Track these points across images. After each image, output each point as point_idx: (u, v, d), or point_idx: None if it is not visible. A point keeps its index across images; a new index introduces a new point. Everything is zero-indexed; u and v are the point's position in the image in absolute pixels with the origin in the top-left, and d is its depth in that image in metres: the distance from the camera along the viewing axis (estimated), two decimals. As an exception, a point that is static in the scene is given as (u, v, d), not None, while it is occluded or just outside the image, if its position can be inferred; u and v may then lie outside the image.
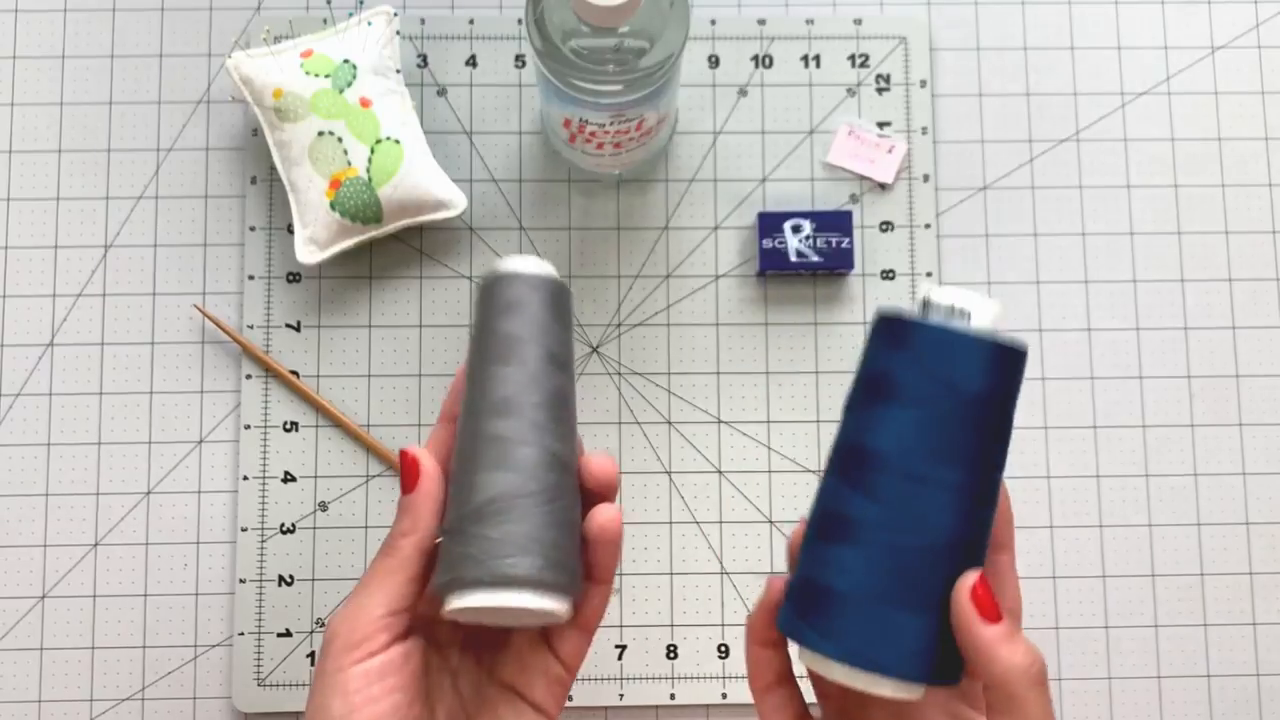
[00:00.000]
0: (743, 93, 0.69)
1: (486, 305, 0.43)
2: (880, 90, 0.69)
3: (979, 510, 0.36)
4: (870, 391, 0.36)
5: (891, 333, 0.36)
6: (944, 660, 0.36)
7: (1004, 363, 0.35)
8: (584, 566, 0.42)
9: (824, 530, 0.37)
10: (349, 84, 0.64)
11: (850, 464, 0.36)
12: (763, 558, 0.65)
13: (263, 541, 0.65)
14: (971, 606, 0.35)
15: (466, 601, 0.39)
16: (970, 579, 0.35)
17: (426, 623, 0.43)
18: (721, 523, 0.66)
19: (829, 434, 0.66)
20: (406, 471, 0.42)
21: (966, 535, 0.35)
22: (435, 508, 0.41)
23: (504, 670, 0.44)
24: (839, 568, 0.36)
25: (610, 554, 0.42)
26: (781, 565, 0.65)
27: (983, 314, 0.35)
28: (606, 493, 0.43)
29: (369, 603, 0.40)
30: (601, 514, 0.41)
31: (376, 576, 0.41)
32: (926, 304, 0.36)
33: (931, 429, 0.35)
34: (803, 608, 0.37)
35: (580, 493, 0.42)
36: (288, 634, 0.64)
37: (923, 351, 0.35)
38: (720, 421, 0.66)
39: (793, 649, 0.40)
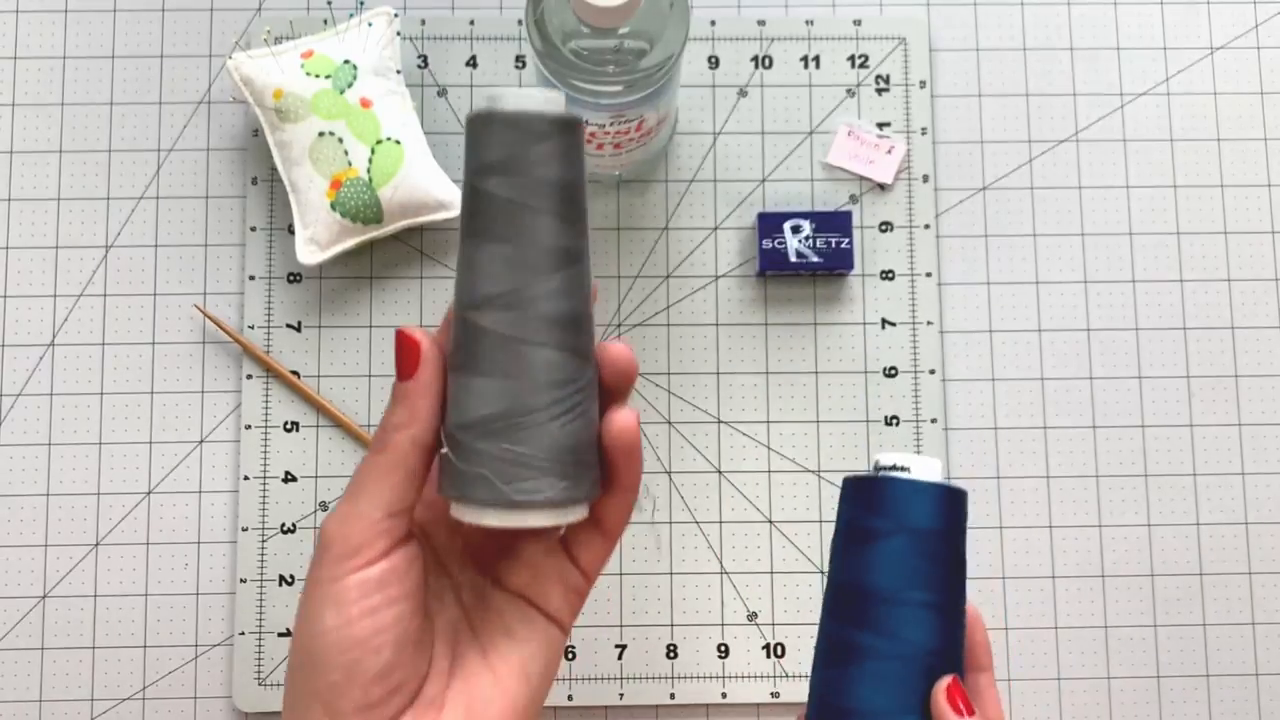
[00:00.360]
0: (743, 93, 0.69)
1: (476, 156, 0.34)
2: (880, 91, 0.69)
3: (949, 624, 0.43)
4: (848, 539, 0.44)
5: (857, 491, 0.44)
6: None
7: (946, 500, 0.43)
8: (605, 472, 0.38)
9: (828, 658, 0.43)
10: (349, 85, 0.64)
11: (840, 599, 0.44)
12: (762, 558, 0.65)
13: (263, 541, 0.65)
14: (946, 703, 0.41)
15: (478, 519, 0.36)
16: (945, 681, 0.41)
17: (423, 526, 0.40)
18: (721, 523, 0.66)
19: (828, 434, 0.66)
20: (404, 355, 0.37)
21: (941, 646, 0.42)
22: (434, 399, 0.37)
23: (514, 577, 0.40)
24: (843, 688, 0.42)
25: (630, 461, 0.38)
26: (780, 565, 0.65)
27: (922, 469, 0.43)
28: (622, 383, 0.39)
29: (365, 505, 0.36)
30: (617, 421, 0.37)
31: (372, 475, 0.37)
32: (877, 465, 0.44)
33: (899, 560, 0.42)
34: None
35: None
36: (288, 634, 0.64)
37: (882, 500, 0.43)
38: (720, 421, 0.67)
39: None
